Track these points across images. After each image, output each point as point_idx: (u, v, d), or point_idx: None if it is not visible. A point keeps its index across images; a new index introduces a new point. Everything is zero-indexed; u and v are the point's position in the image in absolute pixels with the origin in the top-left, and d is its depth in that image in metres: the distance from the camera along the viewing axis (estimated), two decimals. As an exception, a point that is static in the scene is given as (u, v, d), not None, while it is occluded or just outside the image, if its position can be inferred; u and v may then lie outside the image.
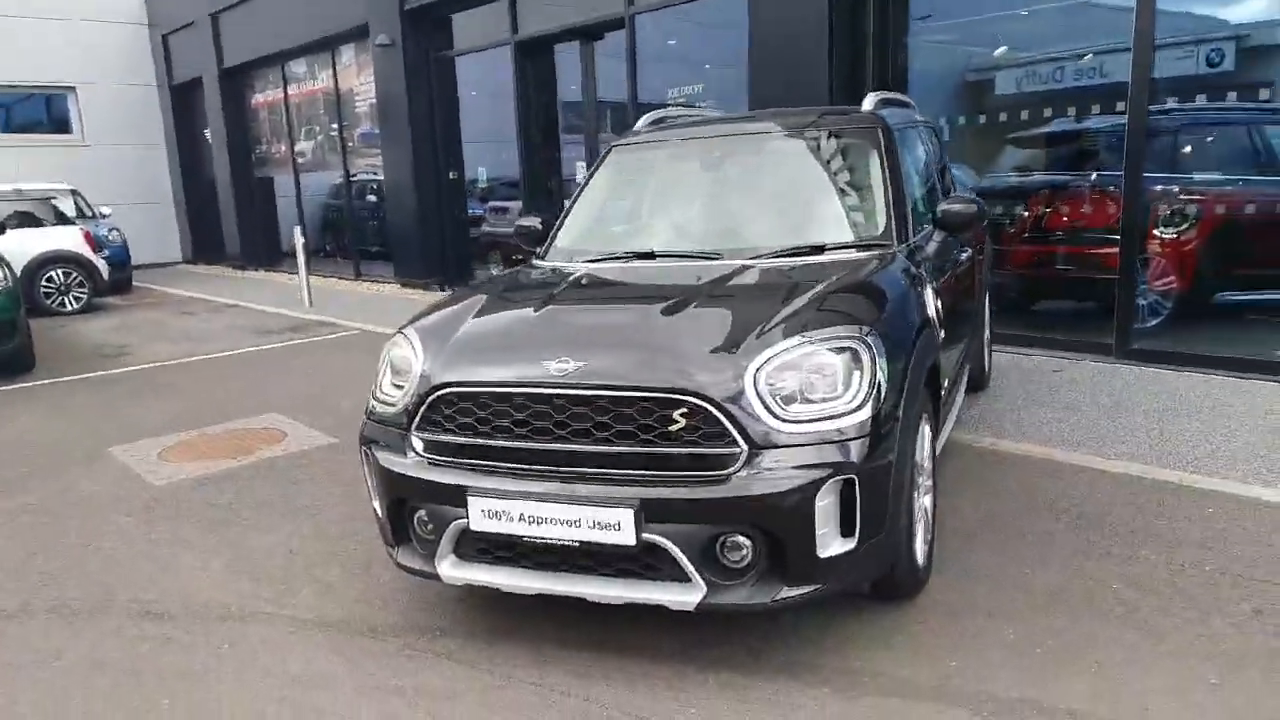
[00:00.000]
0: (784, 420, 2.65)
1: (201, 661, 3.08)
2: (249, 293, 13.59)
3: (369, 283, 13.74)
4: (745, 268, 3.41)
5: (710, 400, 2.66)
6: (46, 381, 7.91)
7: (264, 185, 16.97)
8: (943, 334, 3.51)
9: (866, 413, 2.68)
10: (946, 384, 3.74)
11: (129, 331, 10.55)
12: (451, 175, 12.21)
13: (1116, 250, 6.73)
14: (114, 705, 2.86)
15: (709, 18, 8.82)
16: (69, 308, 12.39)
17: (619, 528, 2.67)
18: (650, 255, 3.71)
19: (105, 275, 12.87)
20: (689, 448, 2.68)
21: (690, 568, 2.68)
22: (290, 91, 15.48)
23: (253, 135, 16.92)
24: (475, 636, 3.13)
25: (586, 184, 4.34)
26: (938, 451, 3.54)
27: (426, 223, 12.19)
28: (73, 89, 17.72)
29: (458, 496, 2.88)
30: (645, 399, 2.71)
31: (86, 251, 12.59)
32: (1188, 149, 6.98)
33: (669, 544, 2.67)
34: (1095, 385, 5.71)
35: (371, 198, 14.96)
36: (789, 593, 2.69)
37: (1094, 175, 7.29)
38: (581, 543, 2.74)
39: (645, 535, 2.66)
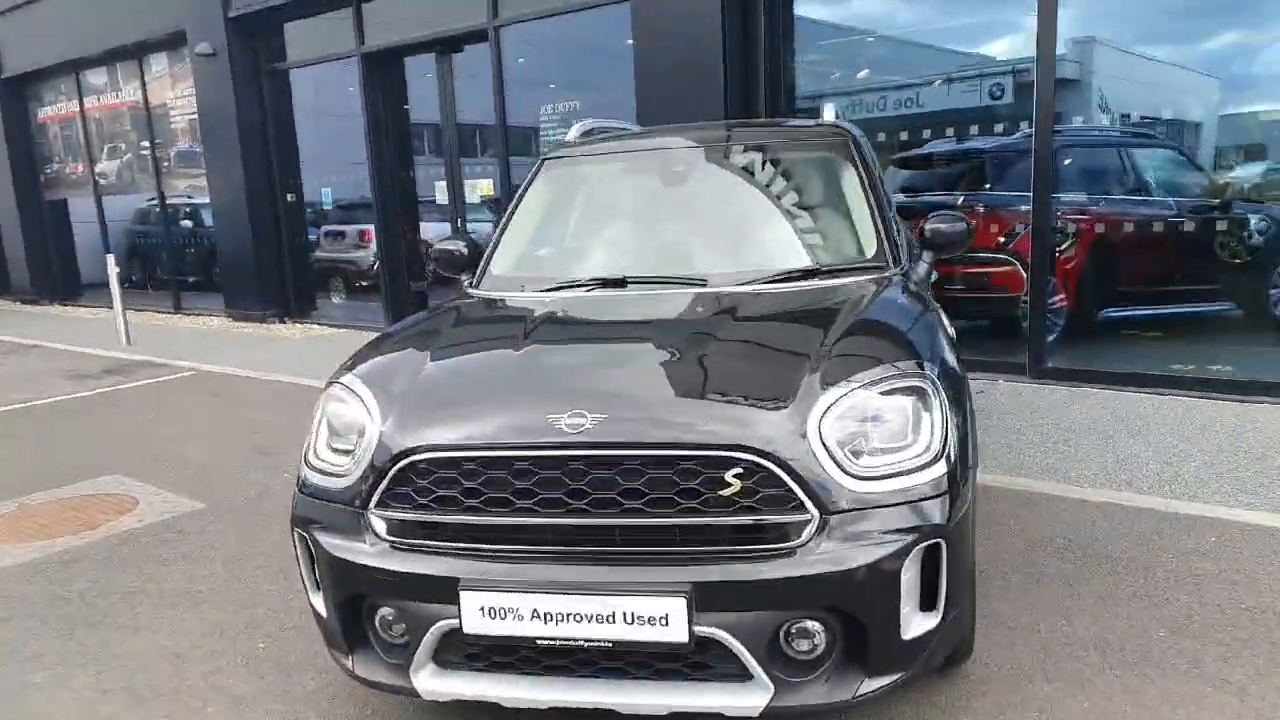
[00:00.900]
0: (856, 478, 2.21)
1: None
2: (50, 330, 11.95)
3: (193, 316, 12.41)
4: (748, 296, 2.96)
5: (770, 456, 2.18)
6: None
7: (57, 209, 15.12)
8: None
9: (943, 464, 2.28)
10: None
11: (-99, 380, 8.96)
12: (289, 198, 11.17)
13: (1012, 269, 6.77)
14: None
15: (582, 33, 8.39)
16: None
17: (666, 621, 2.14)
18: (621, 283, 3.19)
19: None
20: (745, 515, 2.19)
21: (755, 664, 2.19)
22: (88, 104, 13.86)
23: (42, 153, 15.06)
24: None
25: (518, 203, 3.78)
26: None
27: (263, 249, 11.09)
28: None
29: (444, 591, 2.27)
30: (689, 458, 2.20)
31: None
32: (1068, 169, 7.13)
33: (728, 638, 2.17)
34: (1026, 407, 5.62)
35: (188, 223, 13.60)
36: (870, 685, 2.24)
37: (984, 196, 7.33)
38: (616, 643, 2.19)
39: (698, 628, 2.15)
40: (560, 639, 2.21)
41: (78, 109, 13.96)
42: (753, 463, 2.18)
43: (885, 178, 8.11)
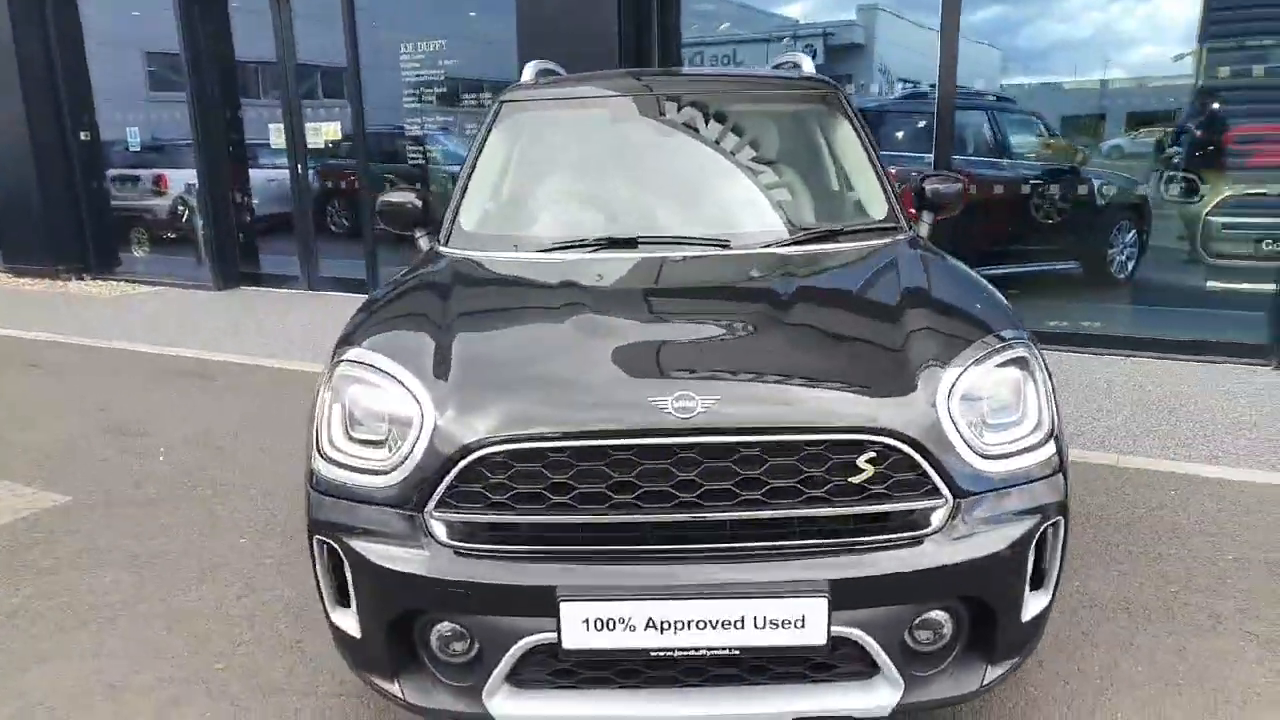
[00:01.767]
0: (985, 457, 2.08)
1: None
2: None
3: (-43, 272, 10.72)
4: (797, 259, 2.74)
5: (905, 438, 2.00)
6: None
7: None
8: None
9: (1054, 437, 2.19)
10: None
11: None
12: (83, 136, 9.81)
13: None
14: None
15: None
16: None
17: (803, 624, 1.94)
18: (633, 243, 2.89)
19: None
20: (879, 504, 2.01)
21: (888, 661, 2.02)
22: None
23: None
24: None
25: (480, 152, 3.36)
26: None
27: (51, 195, 9.68)
28: None
29: (534, 602, 1.96)
30: (815, 443, 1.99)
31: None
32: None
33: (864, 636, 1.99)
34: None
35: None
36: (994, 673, 2.14)
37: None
38: (743, 650, 1.96)
39: (836, 628, 1.96)
40: (678, 649, 1.96)
41: None
42: (886, 446, 2.00)
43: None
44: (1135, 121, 7.21)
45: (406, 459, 2.07)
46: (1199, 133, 6.64)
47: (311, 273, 8.86)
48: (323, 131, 8.45)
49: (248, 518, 3.78)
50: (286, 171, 8.71)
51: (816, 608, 1.92)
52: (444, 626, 2.09)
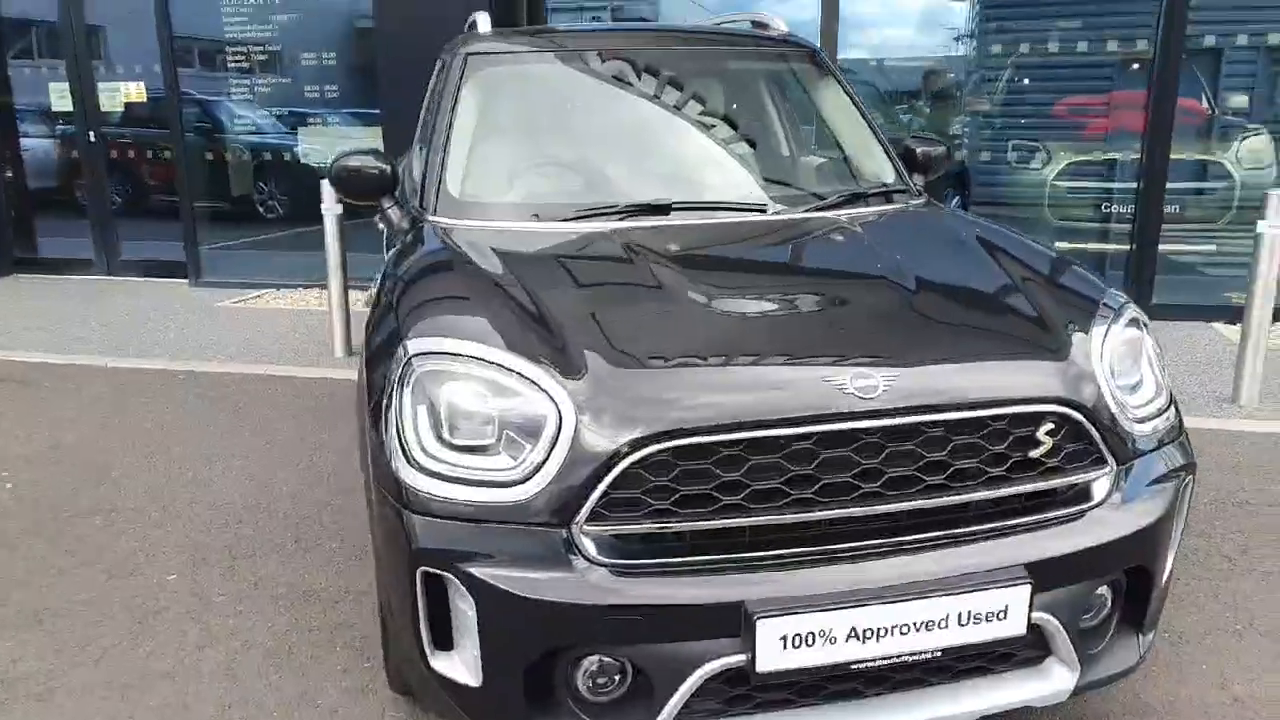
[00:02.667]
0: (1136, 421, 2.02)
1: None
2: None
3: None
4: (871, 225, 2.61)
5: (1076, 405, 1.90)
6: None
7: None
8: None
9: (1172, 399, 2.17)
10: None
11: None
12: None
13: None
14: None
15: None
16: None
17: (1005, 615, 1.79)
18: (665, 209, 2.61)
19: None
20: (1056, 478, 1.89)
21: (1068, 643, 1.91)
22: None
23: None
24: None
25: (453, 110, 2.94)
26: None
27: None
28: None
29: (719, 623, 1.70)
30: (1000, 418, 1.84)
31: None
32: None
33: (1052, 620, 1.87)
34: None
35: None
36: (1145, 642, 2.09)
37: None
38: (945, 650, 1.79)
39: (1034, 615, 1.82)
40: (881, 658, 1.75)
41: None
42: (1063, 416, 1.88)
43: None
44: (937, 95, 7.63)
45: (542, 466, 1.74)
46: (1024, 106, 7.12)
47: (111, 256, 7.74)
48: (122, 93, 7.36)
49: (163, 547, 3.17)
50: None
51: (1019, 596, 1.78)
52: (592, 660, 1.78)
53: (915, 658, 1.77)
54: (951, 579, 1.77)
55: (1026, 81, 7.15)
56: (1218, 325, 5.79)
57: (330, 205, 5.33)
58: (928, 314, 2.07)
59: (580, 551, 1.72)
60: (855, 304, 2.13)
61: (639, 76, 3.06)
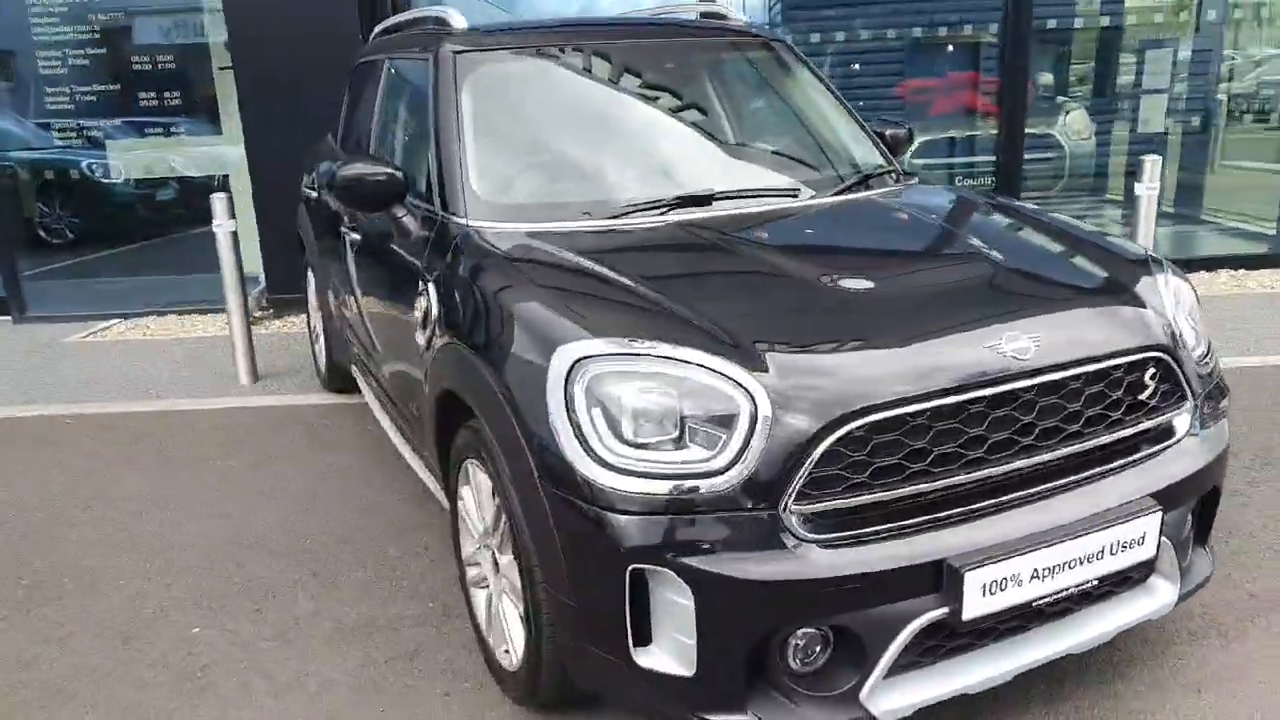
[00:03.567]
0: (1196, 359, 2.29)
1: None
2: None
3: None
4: (886, 201, 2.79)
5: (1167, 350, 2.16)
6: None
7: None
8: None
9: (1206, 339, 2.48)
10: None
11: None
12: None
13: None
14: None
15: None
16: None
17: (1142, 541, 2.02)
18: (707, 200, 2.67)
19: None
20: (1155, 416, 2.14)
21: (1174, 560, 2.16)
22: None
23: None
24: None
25: (457, 111, 2.84)
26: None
27: None
28: None
29: (921, 581, 1.82)
30: (1117, 367, 2.07)
31: None
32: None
33: (1167, 541, 2.11)
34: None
35: None
36: (1207, 555, 2.37)
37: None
38: (1099, 579, 1.98)
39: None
40: (1054, 593, 1.93)
41: None
42: (1158, 360, 2.13)
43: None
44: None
45: (742, 454, 1.78)
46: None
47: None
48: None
49: (166, 601, 2.90)
50: None
51: (1152, 522, 2.01)
52: (802, 634, 1.84)
53: (1078, 588, 1.95)
54: (1099, 515, 1.96)
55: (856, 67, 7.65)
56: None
57: (223, 222, 4.94)
58: (1033, 278, 2.27)
59: (791, 531, 1.78)
60: (968, 275, 2.29)
61: (636, 72, 3.10)
